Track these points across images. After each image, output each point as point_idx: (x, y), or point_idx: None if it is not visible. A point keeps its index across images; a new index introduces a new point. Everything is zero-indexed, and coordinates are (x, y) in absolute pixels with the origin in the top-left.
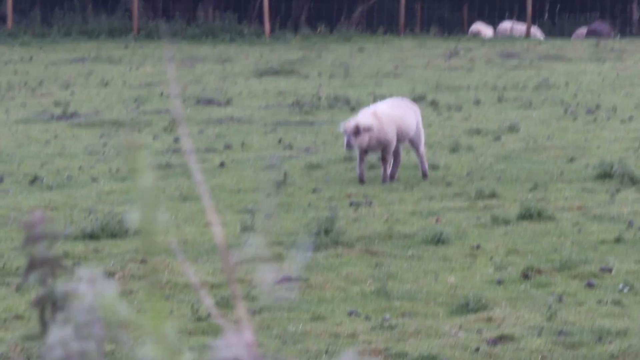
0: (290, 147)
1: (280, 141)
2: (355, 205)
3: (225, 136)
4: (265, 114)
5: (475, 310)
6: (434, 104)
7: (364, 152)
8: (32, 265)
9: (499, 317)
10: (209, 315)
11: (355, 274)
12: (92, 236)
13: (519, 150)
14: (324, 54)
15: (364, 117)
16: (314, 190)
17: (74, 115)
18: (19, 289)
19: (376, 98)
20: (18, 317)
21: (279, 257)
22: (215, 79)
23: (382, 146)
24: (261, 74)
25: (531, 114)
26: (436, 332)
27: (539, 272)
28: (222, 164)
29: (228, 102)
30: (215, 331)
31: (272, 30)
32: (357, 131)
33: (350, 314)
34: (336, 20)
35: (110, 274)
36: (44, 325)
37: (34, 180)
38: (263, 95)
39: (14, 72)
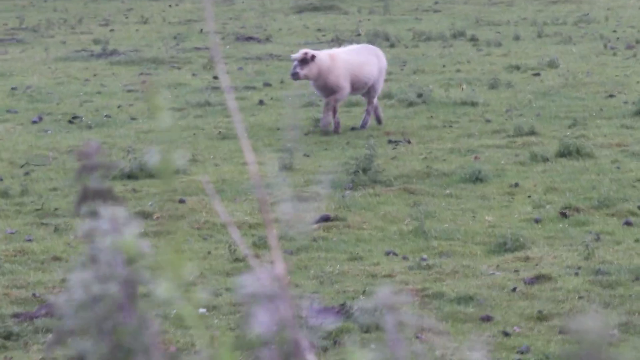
0: None
1: None
2: (393, 143)
3: (264, 73)
4: None
5: (513, 249)
6: (473, 39)
7: (322, 94)
8: (85, 195)
9: (537, 256)
10: (247, 256)
11: (393, 213)
12: (130, 176)
13: (558, 86)
14: None
15: (316, 51)
16: (352, 128)
17: (113, 53)
18: (75, 216)
19: (415, 34)
20: (56, 258)
21: (316, 196)
22: (254, 15)
23: (331, 90)
24: (300, 10)
25: (571, 50)
26: (473, 272)
27: (577, 210)
28: (261, 102)
29: (267, 39)
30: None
31: None
32: (304, 59)
33: (387, 253)
34: None
35: (148, 214)
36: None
37: (73, 119)
38: (302, 32)
39: (53, 9)
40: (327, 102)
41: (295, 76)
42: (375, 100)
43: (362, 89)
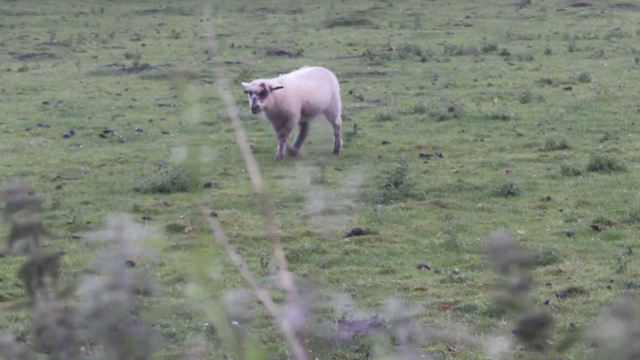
0: (360, 98)
1: (350, 92)
2: (425, 157)
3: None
4: (335, 65)
5: (545, 262)
6: (505, 54)
7: (274, 125)
8: (16, 233)
9: (569, 269)
10: (278, 268)
11: (425, 227)
12: (162, 190)
13: (590, 100)
14: (395, 4)
15: (270, 79)
16: (384, 142)
17: (144, 67)
18: (5, 256)
19: (446, 48)
20: (89, 271)
21: (348, 210)
22: (286, 29)
23: (283, 118)
24: (332, 24)
25: (602, 64)
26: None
27: (609, 224)
28: None
29: (299, 53)
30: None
31: None
32: (263, 91)
33: (419, 267)
34: None
35: (179, 228)
36: (32, 292)
37: (104, 133)
38: (334, 46)
39: (84, 24)
40: (281, 135)
41: (256, 110)
42: (337, 123)
43: (314, 114)
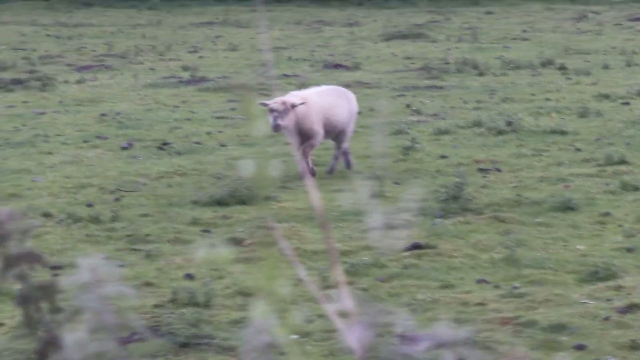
0: (418, 112)
1: (408, 106)
2: (483, 171)
3: None
4: (393, 79)
5: (605, 278)
6: (562, 68)
7: (295, 139)
8: (9, 263)
9: (629, 285)
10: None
11: (484, 242)
12: (220, 202)
13: None
14: (452, 17)
15: (289, 97)
16: (442, 156)
17: (202, 79)
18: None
19: (504, 62)
20: (148, 284)
21: (407, 224)
22: (343, 42)
23: (305, 135)
24: (389, 37)
25: None
26: (565, 300)
27: None
28: None
29: (356, 67)
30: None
31: None
32: (285, 109)
33: (479, 281)
34: None
35: (239, 241)
36: (31, 321)
37: (162, 145)
38: (391, 60)
39: (141, 36)
40: (303, 152)
41: (277, 128)
42: (344, 145)
43: (331, 133)
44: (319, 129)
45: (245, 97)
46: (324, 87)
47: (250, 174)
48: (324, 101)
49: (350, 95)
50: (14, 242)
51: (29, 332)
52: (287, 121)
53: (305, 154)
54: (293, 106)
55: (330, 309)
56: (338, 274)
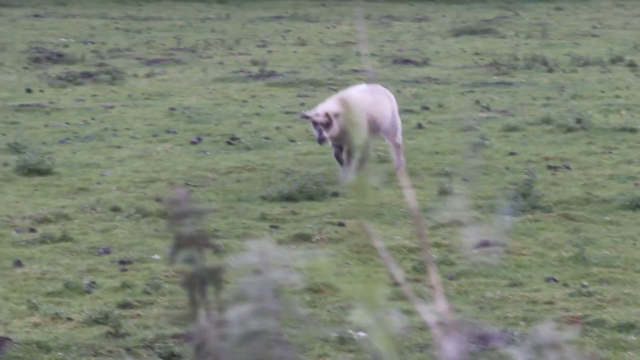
0: (487, 108)
1: (477, 102)
2: (552, 169)
3: (422, 97)
4: (462, 75)
5: None
6: (632, 65)
7: (337, 146)
8: (180, 243)
9: None
10: (406, 279)
11: (553, 240)
12: (289, 198)
13: None
14: (521, 13)
15: (331, 104)
16: (511, 153)
17: (271, 74)
18: (169, 265)
19: (573, 59)
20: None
21: (476, 221)
22: (411, 38)
23: (349, 139)
24: (458, 33)
25: None
26: (634, 300)
27: None
28: (419, 125)
29: (425, 62)
30: (413, 296)
31: None
32: (328, 121)
33: (547, 280)
34: None
35: (307, 237)
36: (195, 305)
37: (231, 140)
38: (460, 55)
39: (210, 30)
40: (348, 153)
41: (323, 141)
42: (397, 141)
43: (376, 131)
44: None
45: (347, 105)
46: (362, 86)
47: (351, 184)
48: (366, 99)
49: (389, 93)
50: (187, 222)
51: (191, 316)
52: (332, 132)
53: (350, 156)
54: (336, 116)
55: (427, 317)
56: (434, 278)
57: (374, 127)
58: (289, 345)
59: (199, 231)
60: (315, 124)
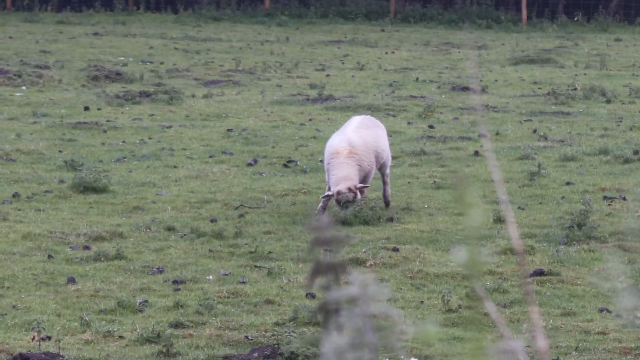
0: (544, 137)
1: (535, 131)
2: (609, 199)
3: (479, 124)
4: (520, 103)
5: None
6: None
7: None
8: (317, 270)
9: None
10: (459, 307)
11: (608, 270)
12: (344, 222)
13: None
14: (581, 43)
15: (345, 174)
16: (568, 183)
17: (329, 98)
18: (307, 291)
19: (632, 90)
20: (269, 301)
21: (531, 250)
22: (470, 65)
23: (364, 180)
24: (517, 62)
25: None
26: None
27: None
28: (476, 153)
29: (483, 90)
30: (465, 323)
31: (529, 17)
32: (355, 195)
33: (601, 310)
34: (593, 9)
35: (361, 261)
36: (328, 329)
37: (288, 163)
38: (518, 84)
39: (269, 52)
40: (361, 191)
41: (347, 207)
42: (387, 172)
43: (378, 164)
44: (373, 168)
45: (462, 187)
46: (355, 120)
47: (463, 261)
48: (366, 135)
49: (381, 124)
50: (328, 250)
51: (320, 339)
52: (357, 197)
53: (362, 193)
54: (357, 188)
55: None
56: (535, 316)
57: (378, 162)
58: None
59: (338, 259)
60: (338, 202)
